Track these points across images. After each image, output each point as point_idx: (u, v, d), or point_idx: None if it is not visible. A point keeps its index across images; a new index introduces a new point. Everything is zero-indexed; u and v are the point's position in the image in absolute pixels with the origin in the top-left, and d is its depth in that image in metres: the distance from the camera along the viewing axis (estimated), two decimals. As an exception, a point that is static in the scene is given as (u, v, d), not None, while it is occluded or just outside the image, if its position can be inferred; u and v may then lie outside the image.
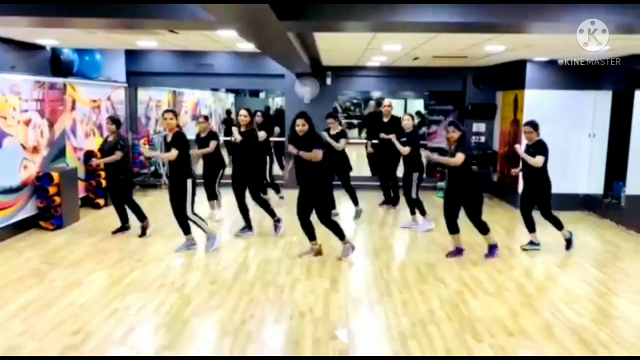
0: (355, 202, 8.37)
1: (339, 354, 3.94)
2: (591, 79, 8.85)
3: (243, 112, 7.14)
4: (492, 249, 6.36)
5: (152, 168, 10.78)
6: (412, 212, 7.82)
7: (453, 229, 6.25)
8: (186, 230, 6.35)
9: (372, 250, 6.63)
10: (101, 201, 8.66)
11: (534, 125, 6.40)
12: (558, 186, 9.21)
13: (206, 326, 4.41)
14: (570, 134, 9.18)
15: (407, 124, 7.63)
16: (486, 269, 5.95)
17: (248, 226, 7.16)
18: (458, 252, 6.36)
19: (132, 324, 4.39)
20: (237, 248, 6.66)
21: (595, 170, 9.10)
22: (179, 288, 5.21)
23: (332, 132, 8.08)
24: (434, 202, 9.90)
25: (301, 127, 5.93)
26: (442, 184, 10.77)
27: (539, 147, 6.37)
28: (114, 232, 7.10)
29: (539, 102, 9.09)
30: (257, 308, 4.75)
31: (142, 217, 7.08)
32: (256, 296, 5.04)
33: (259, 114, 9.13)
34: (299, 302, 4.92)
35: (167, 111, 6.36)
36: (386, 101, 8.14)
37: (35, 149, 7.37)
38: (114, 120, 7.13)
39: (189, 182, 6.13)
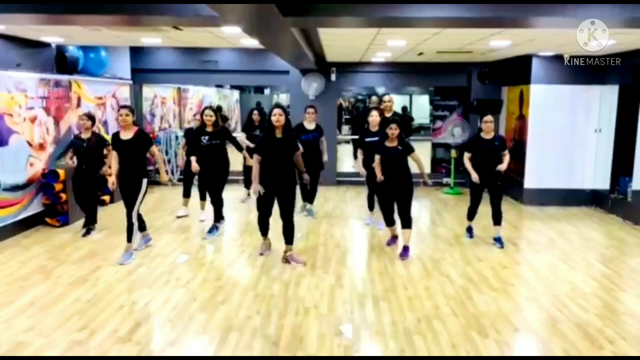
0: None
1: (344, 350, 3.94)
2: (597, 74, 8.79)
3: (208, 112, 6.85)
4: (407, 249, 6.19)
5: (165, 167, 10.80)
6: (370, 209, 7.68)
7: (393, 221, 6.46)
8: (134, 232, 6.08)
9: (377, 246, 6.63)
10: (107, 198, 8.69)
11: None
12: (564, 181, 9.27)
13: (212, 322, 4.42)
14: (577, 129, 9.14)
15: (375, 120, 6.97)
16: (491, 264, 5.94)
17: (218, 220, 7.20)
18: (396, 239, 6.54)
19: (138, 320, 4.41)
20: (242, 244, 6.67)
21: (602, 166, 9.05)
22: (185, 284, 5.24)
23: (309, 126, 7.82)
24: (438, 198, 9.90)
25: (278, 116, 5.57)
26: (449, 179, 10.76)
27: (505, 143, 6.60)
28: (84, 235, 6.93)
29: (545, 97, 9.05)
30: (262, 304, 4.76)
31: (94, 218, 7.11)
32: (261, 292, 5.05)
33: (255, 112, 8.87)
34: (304, 297, 4.93)
35: (122, 107, 6.13)
36: (386, 97, 7.84)
37: (41, 146, 7.40)
38: (90, 116, 7.09)
39: (145, 181, 5.98)
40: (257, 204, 5.98)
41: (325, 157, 7.97)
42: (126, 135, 5.91)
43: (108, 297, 4.88)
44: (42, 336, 4.08)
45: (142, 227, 6.32)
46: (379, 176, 6.12)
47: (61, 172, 7.35)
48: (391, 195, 6.22)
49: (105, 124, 9.24)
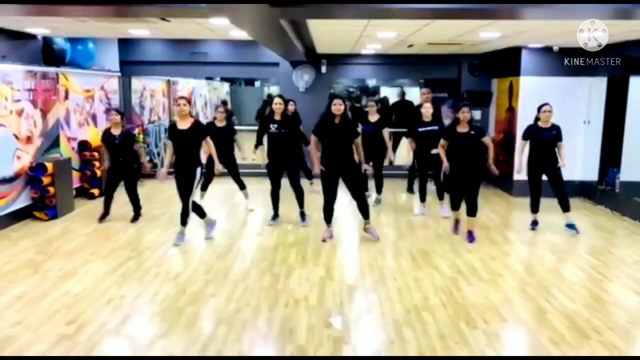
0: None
1: (334, 342, 3.95)
2: (586, 66, 8.80)
3: (277, 99, 7.00)
4: (472, 233, 6.54)
5: (147, 158, 10.72)
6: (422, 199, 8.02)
7: (459, 205, 6.71)
8: (202, 215, 6.52)
9: (367, 238, 6.64)
10: (96, 191, 8.64)
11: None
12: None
13: (201, 315, 4.42)
14: (566, 120, 9.08)
15: (428, 111, 7.51)
16: (480, 255, 5.97)
17: (276, 214, 7.30)
18: (459, 223, 6.79)
19: (127, 313, 4.40)
20: (232, 237, 6.66)
21: (590, 157, 9.10)
22: (174, 277, 5.22)
23: (372, 118, 8.01)
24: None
25: (339, 105, 6.05)
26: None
27: (561, 133, 6.71)
28: (101, 220, 7.22)
29: (535, 89, 9.06)
30: (252, 296, 4.76)
31: (139, 206, 7.40)
32: (251, 284, 5.04)
33: (291, 102, 8.89)
34: (294, 290, 4.93)
35: (180, 97, 6.40)
36: (424, 89, 8.41)
37: (28, 139, 7.33)
38: (119, 111, 7.34)
39: (199, 170, 6.22)
40: (323, 191, 6.30)
41: (390, 153, 8.05)
42: (183, 125, 6.15)
43: (97, 290, 4.85)
44: (30, 330, 4.05)
45: (202, 213, 6.49)
46: (445, 164, 6.47)
47: (49, 165, 7.29)
48: (460, 181, 6.43)
49: (93, 117, 9.16)
